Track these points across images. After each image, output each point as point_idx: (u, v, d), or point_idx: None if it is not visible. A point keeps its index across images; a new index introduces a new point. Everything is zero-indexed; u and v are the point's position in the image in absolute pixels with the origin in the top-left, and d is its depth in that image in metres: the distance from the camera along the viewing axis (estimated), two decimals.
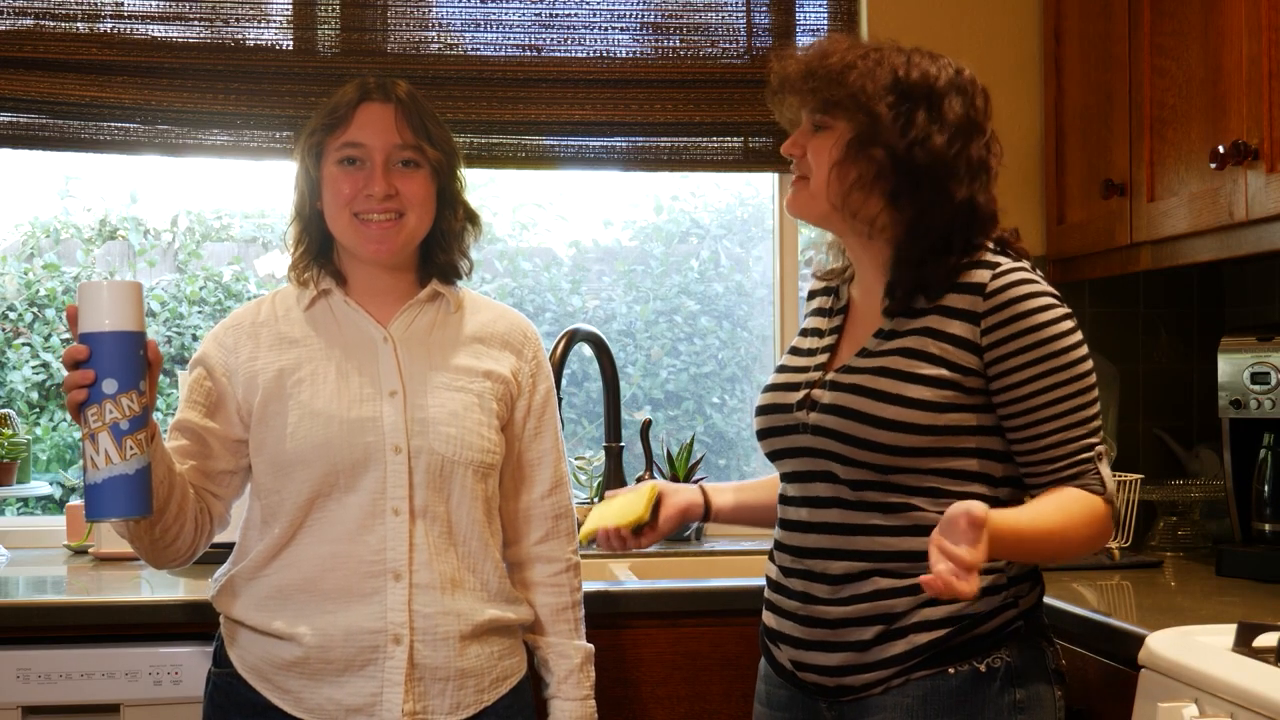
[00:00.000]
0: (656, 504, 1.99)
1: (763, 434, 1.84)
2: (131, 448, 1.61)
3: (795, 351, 1.88)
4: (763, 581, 1.86)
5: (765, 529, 1.96)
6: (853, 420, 1.70)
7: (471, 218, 1.98)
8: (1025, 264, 1.73)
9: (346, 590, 1.81)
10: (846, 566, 1.72)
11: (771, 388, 1.85)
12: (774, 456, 1.83)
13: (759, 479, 2.11)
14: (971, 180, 1.72)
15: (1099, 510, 1.67)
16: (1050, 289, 1.71)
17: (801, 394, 1.78)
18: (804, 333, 1.90)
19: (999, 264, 1.70)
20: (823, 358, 1.81)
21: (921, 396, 1.68)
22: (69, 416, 1.90)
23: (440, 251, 1.94)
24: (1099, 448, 1.69)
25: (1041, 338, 1.67)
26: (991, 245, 1.74)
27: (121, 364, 1.62)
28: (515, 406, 1.94)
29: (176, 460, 1.84)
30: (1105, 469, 1.69)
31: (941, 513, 1.66)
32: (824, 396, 1.74)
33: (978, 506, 1.49)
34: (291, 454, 1.82)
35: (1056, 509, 1.65)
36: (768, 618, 1.83)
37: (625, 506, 2.01)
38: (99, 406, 1.60)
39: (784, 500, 1.82)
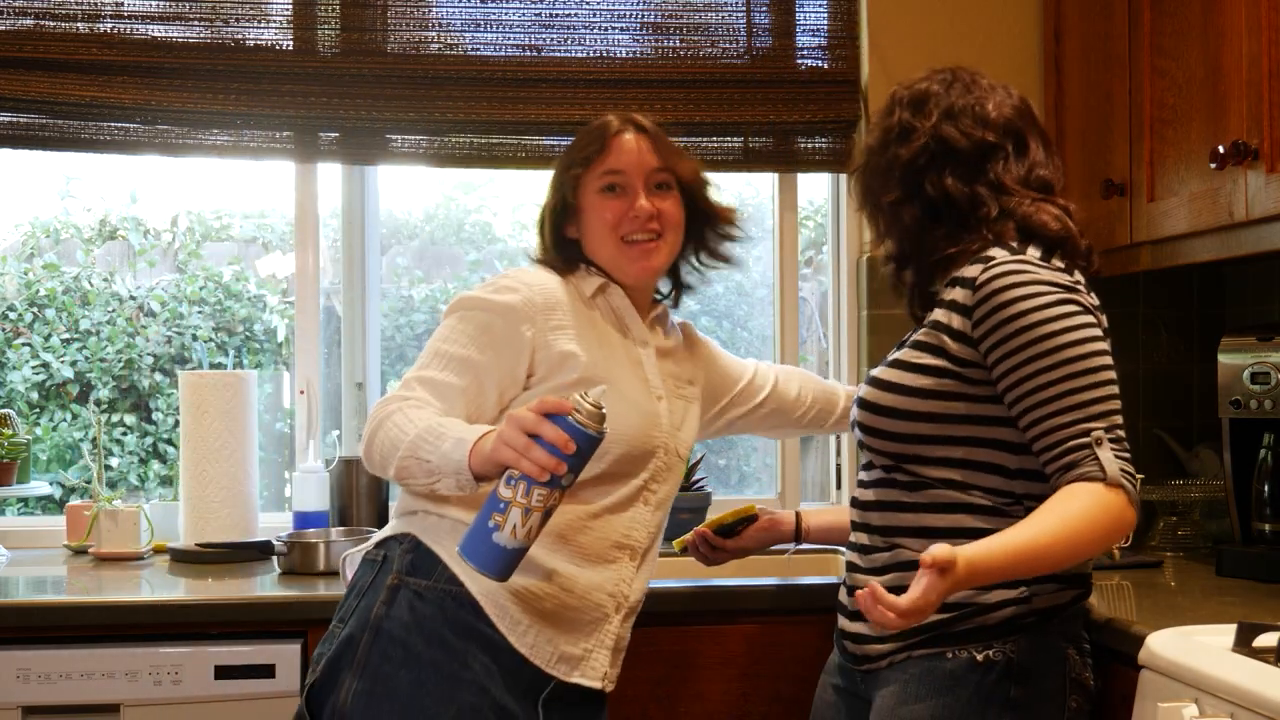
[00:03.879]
0: (748, 519, 2.21)
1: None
2: (544, 529, 1.66)
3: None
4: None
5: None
6: (866, 410, 1.81)
7: (724, 212, 2.05)
8: (1027, 257, 1.73)
9: (594, 553, 1.87)
10: (874, 539, 1.82)
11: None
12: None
13: None
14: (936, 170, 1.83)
15: (1105, 500, 1.63)
16: (1045, 277, 1.70)
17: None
18: None
19: (993, 258, 1.73)
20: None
21: (920, 385, 1.75)
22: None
23: (678, 270, 2.07)
24: (1098, 432, 1.66)
25: (1022, 325, 1.68)
26: (1013, 232, 1.79)
27: (585, 464, 1.64)
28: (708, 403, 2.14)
29: (454, 403, 1.83)
30: (1105, 453, 1.64)
31: (963, 505, 1.74)
32: (860, 391, 1.87)
33: (939, 552, 1.51)
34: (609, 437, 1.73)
35: (1056, 517, 1.63)
36: (841, 590, 1.94)
37: (718, 518, 2.24)
38: (549, 492, 1.62)
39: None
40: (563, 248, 1.99)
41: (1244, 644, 1.64)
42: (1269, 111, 2.08)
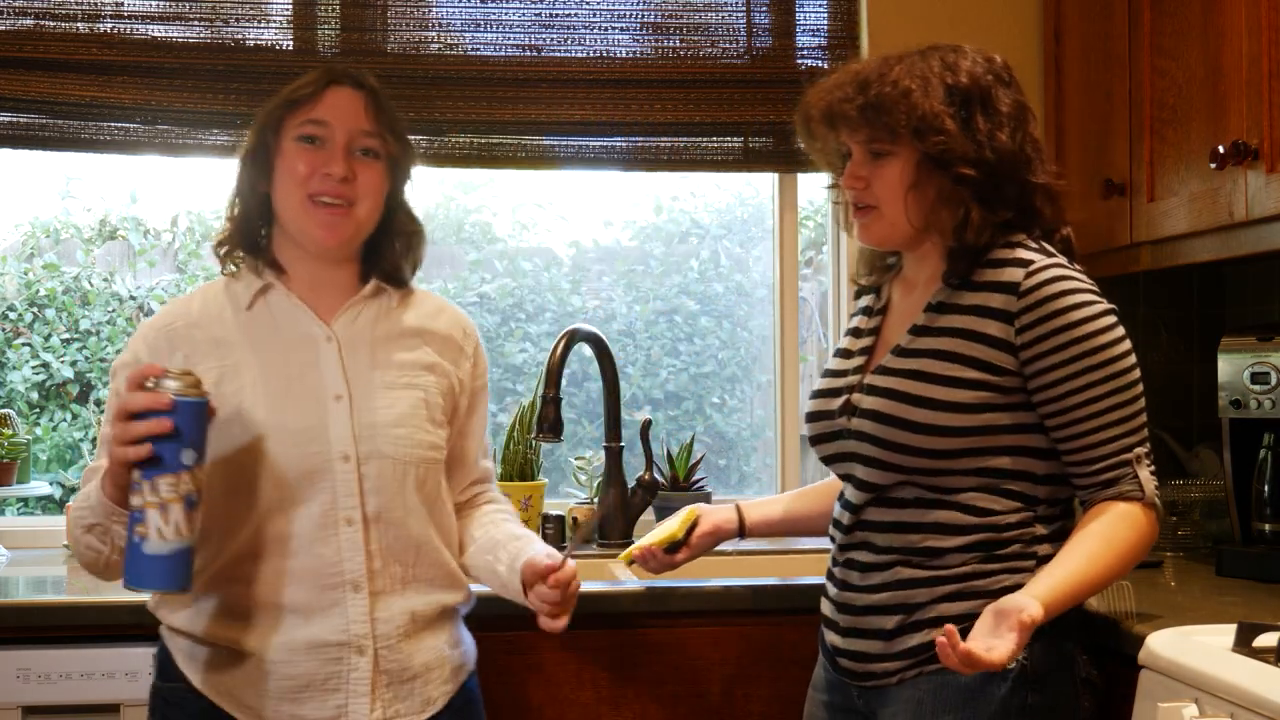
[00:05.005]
0: (693, 525, 2.10)
1: (813, 440, 1.88)
2: (196, 521, 1.59)
3: (840, 354, 1.91)
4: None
5: (811, 536, 2.12)
6: (889, 425, 1.72)
7: (417, 225, 1.91)
8: (1061, 259, 1.72)
9: (305, 604, 1.75)
10: (876, 558, 1.75)
11: (817, 394, 1.89)
12: (826, 462, 1.87)
13: (799, 490, 2.22)
14: (1040, 160, 1.77)
15: (1141, 522, 1.67)
16: (1088, 284, 1.70)
17: (843, 399, 1.81)
18: (849, 333, 1.93)
19: (1032, 261, 1.70)
20: (860, 360, 1.84)
21: (955, 399, 1.69)
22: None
23: (384, 255, 1.88)
24: (1138, 450, 1.68)
25: (1077, 335, 1.66)
26: (1031, 239, 1.75)
27: (201, 436, 1.58)
28: (458, 401, 1.91)
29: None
30: (1144, 472, 1.68)
31: (979, 511, 1.70)
32: (863, 401, 1.76)
33: (1034, 609, 1.51)
34: (236, 470, 1.74)
35: (1104, 545, 1.64)
36: (822, 603, 1.89)
37: (663, 529, 2.13)
38: (175, 477, 1.55)
39: (839, 498, 1.86)
40: (249, 206, 1.83)
41: (1244, 644, 1.64)
42: (1269, 111, 2.08)
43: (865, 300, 1.93)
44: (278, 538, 1.76)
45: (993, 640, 1.51)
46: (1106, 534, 1.65)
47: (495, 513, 1.98)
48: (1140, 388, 1.70)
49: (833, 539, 1.85)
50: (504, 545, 1.88)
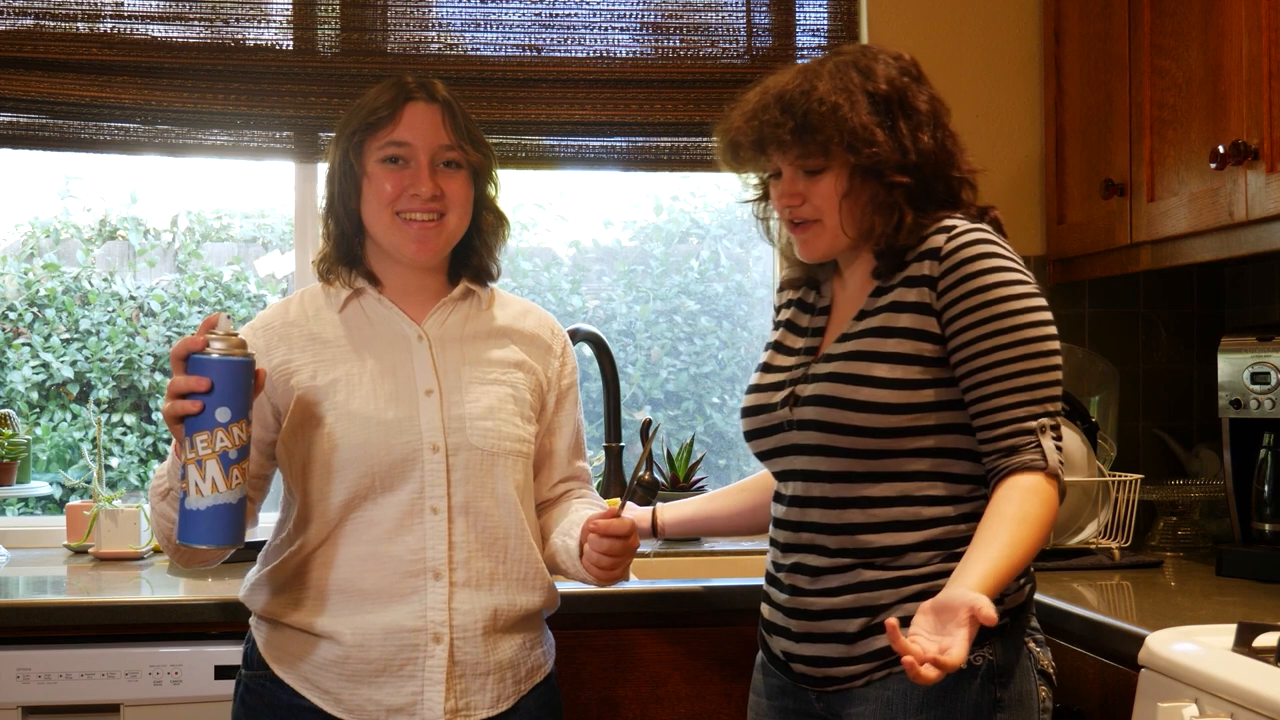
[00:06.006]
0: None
1: (750, 435, 1.84)
2: (237, 477, 1.64)
3: (777, 348, 1.88)
4: (761, 582, 1.87)
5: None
6: (831, 408, 1.70)
7: (502, 219, 1.97)
8: (985, 227, 1.72)
9: (385, 590, 1.79)
10: (831, 561, 1.72)
11: (755, 388, 1.85)
12: (763, 457, 1.83)
13: (723, 488, 2.17)
14: (960, 152, 1.76)
15: (1049, 495, 1.62)
16: (1010, 253, 1.69)
17: (786, 392, 1.78)
18: (784, 327, 1.89)
19: (955, 226, 1.69)
20: (805, 357, 1.81)
21: (893, 375, 1.67)
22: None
23: (474, 254, 1.94)
24: (1044, 420, 1.64)
25: (990, 298, 1.65)
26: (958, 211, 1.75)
27: (237, 393, 1.64)
28: (545, 399, 1.95)
29: None
30: (1048, 442, 1.63)
31: (929, 501, 1.68)
32: (805, 390, 1.75)
33: (988, 606, 1.46)
34: (328, 457, 1.80)
35: (1023, 525, 1.59)
36: (763, 609, 1.85)
37: None
38: (210, 433, 1.62)
39: (775, 498, 1.83)
40: (343, 222, 1.89)
41: (1244, 644, 1.65)
42: (1269, 111, 2.08)
43: (793, 294, 1.90)
44: (364, 524, 1.81)
45: (943, 640, 1.47)
46: (1022, 514, 1.60)
47: (579, 501, 2.00)
48: (1056, 359, 1.67)
49: (774, 541, 1.82)
50: (579, 524, 1.90)
